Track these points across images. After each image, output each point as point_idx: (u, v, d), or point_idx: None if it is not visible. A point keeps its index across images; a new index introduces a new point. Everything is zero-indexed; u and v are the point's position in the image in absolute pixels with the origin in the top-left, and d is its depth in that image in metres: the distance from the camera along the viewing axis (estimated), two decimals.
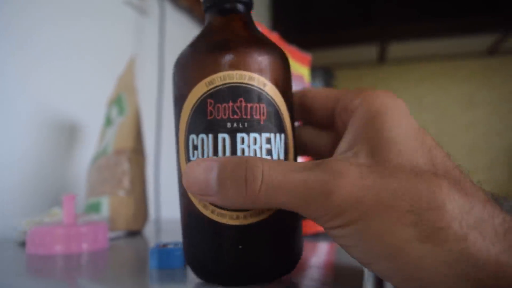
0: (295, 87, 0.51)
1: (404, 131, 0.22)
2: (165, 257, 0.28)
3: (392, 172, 0.20)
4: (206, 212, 0.24)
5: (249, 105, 0.24)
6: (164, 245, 0.29)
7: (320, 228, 0.44)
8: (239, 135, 0.24)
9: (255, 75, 0.25)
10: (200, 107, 0.24)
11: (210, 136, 0.24)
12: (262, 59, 0.25)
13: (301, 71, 0.55)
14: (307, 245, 0.41)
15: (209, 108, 0.24)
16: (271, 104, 0.25)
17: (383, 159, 0.21)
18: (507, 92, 2.13)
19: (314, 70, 1.88)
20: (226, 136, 0.24)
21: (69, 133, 0.65)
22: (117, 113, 0.56)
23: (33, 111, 0.59)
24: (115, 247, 0.41)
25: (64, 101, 0.64)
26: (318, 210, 0.20)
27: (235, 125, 0.24)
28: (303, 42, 2.08)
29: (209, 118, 0.24)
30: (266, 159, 0.22)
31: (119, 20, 0.81)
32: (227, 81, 0.24)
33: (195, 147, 0.24)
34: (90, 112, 0.68)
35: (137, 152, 0.53)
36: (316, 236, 0.45)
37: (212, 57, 0.25)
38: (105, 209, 0.49)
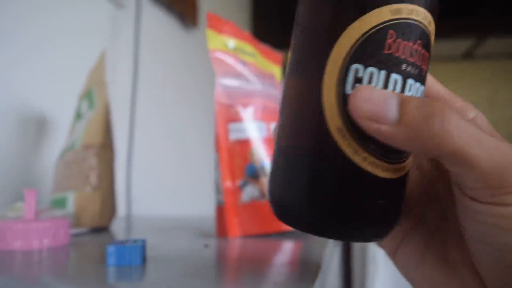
0: (263, 86, 0.51)
1: None
2: (122, 254, 0.28)
3: None
4: (357, 159, 0.21)
5: (422, 51, 0.22)
6: (123, 242, 0.29)
7: (285, 228, 0.44)
8: (409, 81, 0.21)
9: (432, 20, 0.22)
10: (378, 36, 0.21)
11: (383, 72, 0.21)
12: (438, 6, 0.23)
13: (272, 70, 0.55)
14: (271, 243, 0.41)
15: (389, 40, 0.21)
16: (430, 55, 0.23)
17: None
18: (480, 95, 2.18)
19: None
20: (399, 78, 0.21)
21: (37, 127, 0.64)
22: (87, 107, 0.55)
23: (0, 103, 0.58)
24: (78, 243, 0.41)
25: (33, 94, 0.63)
26: (497, 180, 0.19)
27: (409, 68, 0.21)
28: (283, 42, 2.09)
29: (386, 52, 0.21)
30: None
31: (94, 12, 0.80)
32: (413, 16, 0.21)
33: (357, 80, 0.21)
34: (62, 105, 0.67)
35: (106, 148, 0.52)
36: (282, 235, 0.45)
37: None
38: (71, 204, 0.49)
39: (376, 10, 0.21)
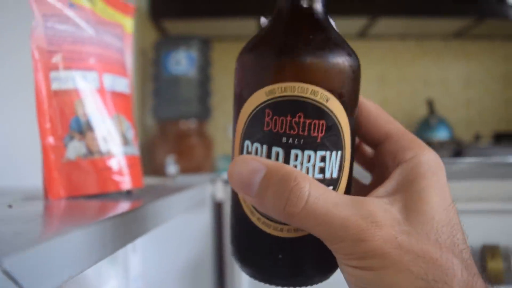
0: (99, 34, 0.47)
1: (439, 202, 0.24)
2: None
3: (420, 238, 0.23)
4: (253, 218, 0.25)
5: (307, 121, 0.23)
6: None
7: (115, 188, 0.40)
8: (293, 151, 0.23)
9: (319, 89, 0.23)
10: (258, 116, 0.24)
11: (265, 147, 0.24)
12: (330, 71, 0.24)
13: (118, 19, 0.50)
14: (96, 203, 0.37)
15: (267, 118, 0.24)
16: (332, 119, 0.24)
17: (416, 221, 0.23)
18: (372, 74, 2.29)
19: (191, 39, 1.83)
20: (280, 150, 0.23)
21: None
22: None
23: None
24: None
25: None
26: (346, 249, 0.22)
27: (290, 140, 0.23)
28: (183, 10, 2.02)
29: (265, 129, 0.24)
30: (314, 182, 0.22)
31: None
32: (288, 93, 0.23)
33: (248, 153, 0.24)
34: None
35: None
36: None
37: (275, 65, 0.24)
38: None
39: (255, 93, 0.24)
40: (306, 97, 0.23)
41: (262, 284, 0.70)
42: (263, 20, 0.28)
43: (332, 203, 0.22)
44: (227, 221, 0.79)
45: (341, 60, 0.24)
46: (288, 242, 0.25)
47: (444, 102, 2.25)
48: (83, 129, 0.41)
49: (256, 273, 0.26)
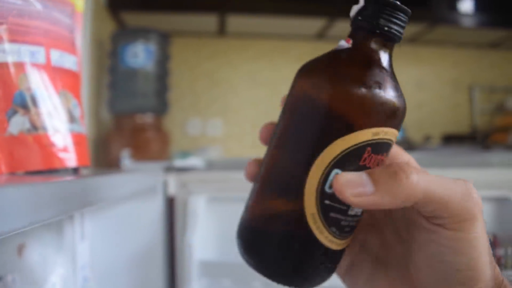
0: (47, 9, 0.46)
1: (485, 248, 0.27)
2: None
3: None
4: (321, 237, 0.27)
5: (385, 158, 0.28)
6: None
7: (59, 165, 0.39)
8: None
9: (397, 132, 0.28)
10: (358, 151, 0.26)
11: None
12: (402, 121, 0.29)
13: None
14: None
15: (365, 155, 0.26)
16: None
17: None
18: None
19: (149, 32, 1.81)
20: None
21: None
22: None
23: None
24: None
25: None
26: (462, 211, 0.25)
27: None
28: (142, 2, 1.99)
29: (361, 163, 0.26)
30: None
31: None
32: (386, 137, 0.27)
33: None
34: None
35: None
36: None
37: (389, 113, 0.27)
38: None
39: (360, 131, 0.26)
40: (392, 141, 0.28)
41: (209, 276, 0.70)
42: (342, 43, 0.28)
43: (436, 175, 0.26)
44: (180, 212, 0.78)
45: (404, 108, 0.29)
46: (338, 254, 0.30)
47: None
48: (27, 103, 0.40)
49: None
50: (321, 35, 2.30)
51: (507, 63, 2.52)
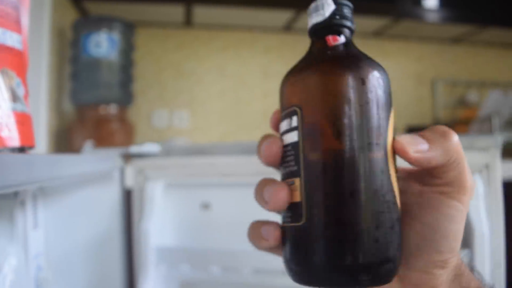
0: None
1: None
2: None
3: None
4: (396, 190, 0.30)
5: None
6: None
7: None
8: None
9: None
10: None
11: None
12: None
13: None
14: None
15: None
16: None
17: None
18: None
19: (113, 21, 1.77)
20: None
21: None
22: None
23: None
24: None
25: None
26: (465, 182, 0.30)
27: None
28: None
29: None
30: None
31: None
32: None
33: None
34: None
35: None
36: None
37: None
38: None
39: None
40: None
41: (167, 262, 0.69)
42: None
43: None
44: (137, 199, 0.77)
45: None
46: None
47: None
48: None
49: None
50: (288, 27, 2.31)
51: (468, 58, 2.59)
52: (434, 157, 0.29)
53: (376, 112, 0.29)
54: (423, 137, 0.30)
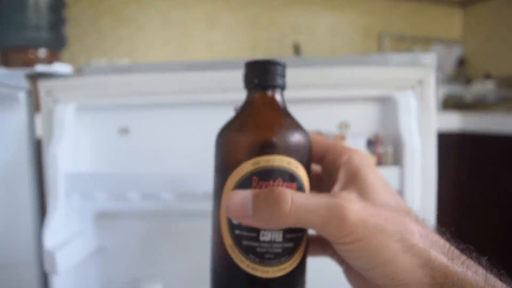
0: None
1: (378, 181, 0.32)
2: None
3: (381, 207, 0.30)
4: (242, 265, 0.31)
5: (285, 184, 0.31)
6: None
7: None
8: None
9: (292, 160, 0.31)
10: (246, 182, 0.31)
11: None
12: (298, 148, 0.32)
13: None
14: None
15: (254, 183, 0.31)
16: (300, 182, 0.32)
17: (371, 198, 0.31)
18: (244, 17, 2.27)
19: None
20: None
21: None
22: None
23: None
24: None
25: None
26: (335, 229, 0.29)
27: None
28: None
29: None
30: (293, 191, 0.30)
31: None
32: (270, 163, 0.31)
33: None
34: None
35: None
36: None
37: (260, 143, 0.31)
38: None
39: (243, 163, 0.31)
40: (283, 166, 0.31)
41: (80, 190, 0.63)
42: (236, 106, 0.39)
43: (312, 197, 0.29)
44: (46, 123, 0.70)
45: (304, 138, 0.33)
46: (277, 282, 0.31)
47: (310, 48, 2.33)
48: None
49: None
50: None
51: (415, 15, 2.60)
52: (258, 226, 0.30)
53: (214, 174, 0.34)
54: (252, 201, 0.29)
